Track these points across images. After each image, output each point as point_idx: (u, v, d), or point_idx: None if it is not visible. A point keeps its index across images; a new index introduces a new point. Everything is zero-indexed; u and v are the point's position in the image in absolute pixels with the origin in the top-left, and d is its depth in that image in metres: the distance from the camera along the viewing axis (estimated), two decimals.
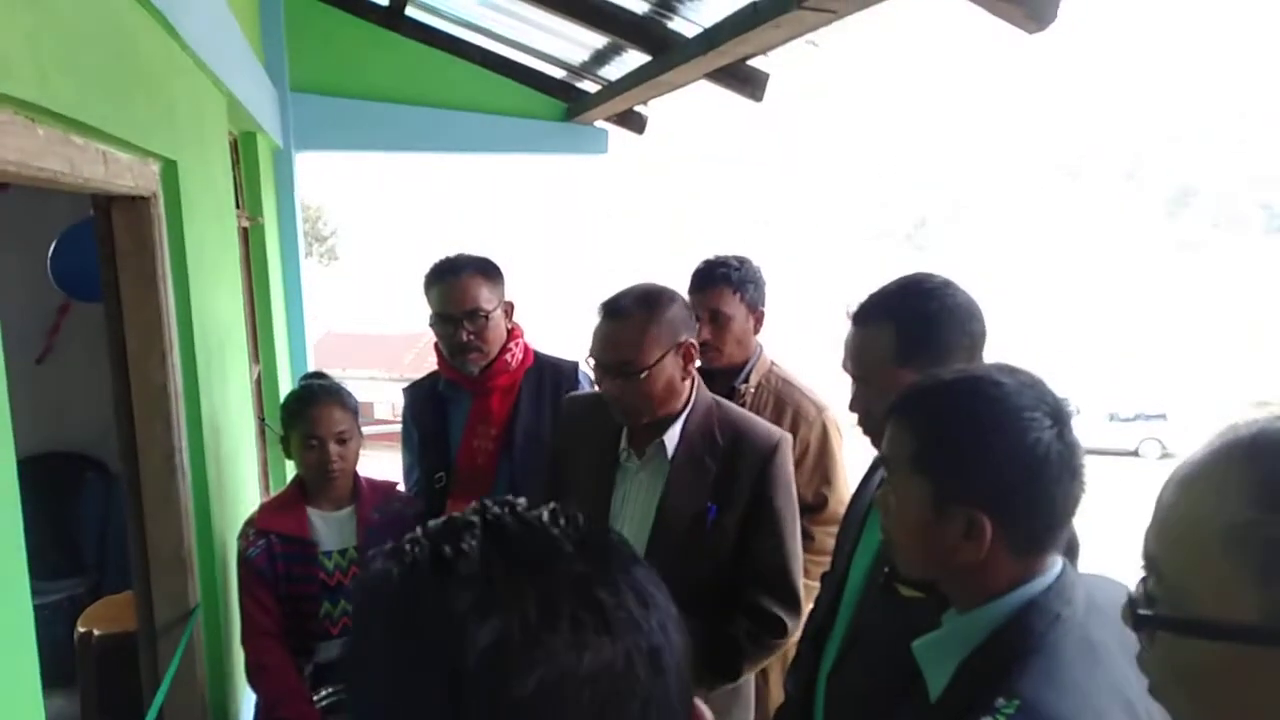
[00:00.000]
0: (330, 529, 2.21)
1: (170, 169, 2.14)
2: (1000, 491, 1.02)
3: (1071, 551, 1.17)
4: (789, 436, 1.90)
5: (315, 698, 2.10)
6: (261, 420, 4.02)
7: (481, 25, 4.80)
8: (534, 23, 4.32)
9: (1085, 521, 1.16)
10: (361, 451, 2.29)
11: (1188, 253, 58.88)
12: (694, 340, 1.83)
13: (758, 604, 1.82)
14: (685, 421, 1.84)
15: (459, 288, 2.26)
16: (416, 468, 2.44)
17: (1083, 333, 43.01)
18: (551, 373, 2.41)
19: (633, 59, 4.14)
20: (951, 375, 1.11)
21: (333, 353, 23.75)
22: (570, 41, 4.43)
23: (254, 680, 2.16)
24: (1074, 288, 51.35)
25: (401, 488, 2.43)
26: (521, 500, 0.56)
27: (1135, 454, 23.31)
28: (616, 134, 5.39)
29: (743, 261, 2.48)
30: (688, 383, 1.85)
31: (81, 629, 2.92)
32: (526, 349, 2.41)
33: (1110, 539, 4.17)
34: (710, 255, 2.53)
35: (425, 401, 2.45)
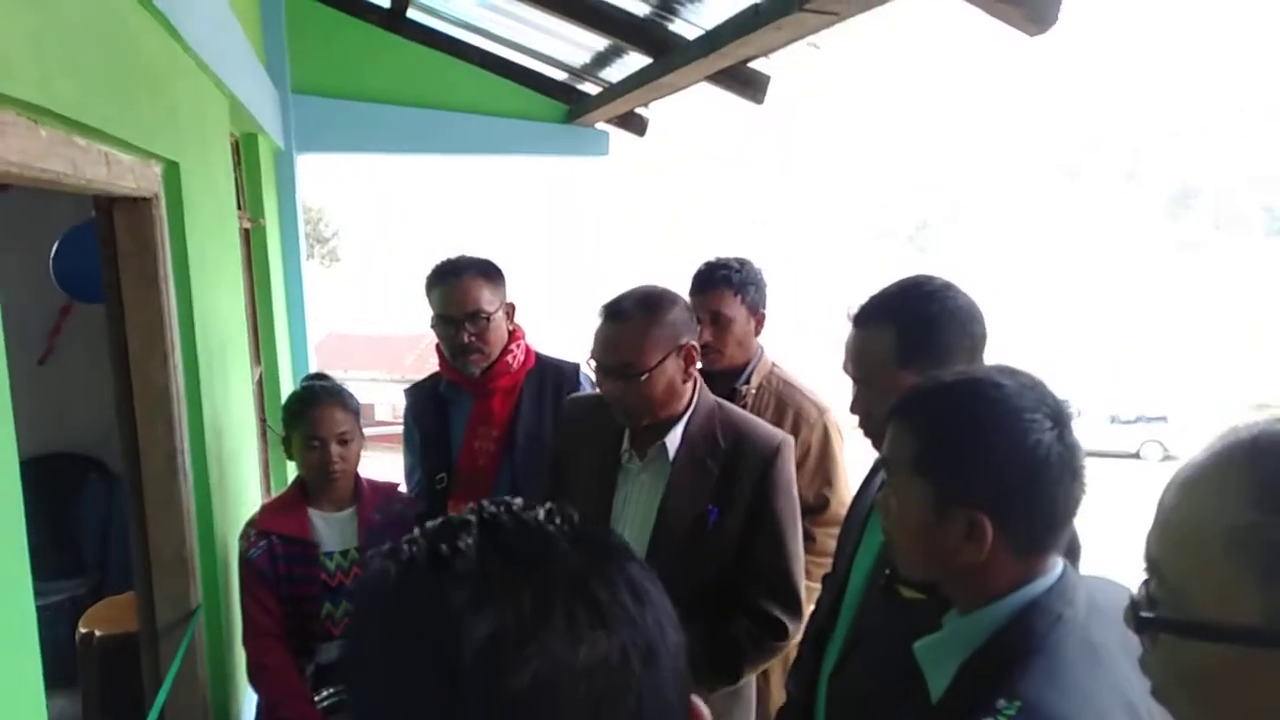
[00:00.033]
0: (331, 530, 2.21)
1: (172, 170, 2.15)
2: (1001, 493, 1.02)
3: (1073, 553, 1.17)
4: (791, 439, 1.90)
5: (316, 698, 2.10)
6: (263, 421, 4.02)
7: (483, 27, 4.80)
8: (535, 25, 4.32)
9: (1087, 524, 1.16)
10: (363, 453, 2.30)
11: (1188, 253, 58.86)
12: (695, 342, 1.83)
13: (758, 606, 1.82)
14: (687, 423, 1.84)
15: (460, 289, 2.26)
16: (418, 469, 2.44)
17: (1083, 333, 42.99)
18: (553, 374, 2.41)
19: (633, 61, 4.14)
20: (952, 377, 1.11)
21: (334, 354, 23.77)
22: (571, 43, 4.43)
23: (255, 681, 2.17)
24: (1074, 288, 51.33)
25: (403, 489, 2.43)
26: (518, 500, 0.57)
27: (1136, 456, 23.30)
28: (616, 135, 5.40)
29: (743, 263, 2.48)
30: (689, 385, 1.85)
31: (83, 630, 2.93)
32: (528, 350, 2.41)
33: (1112, 541, 4.16)
34: (710, 257, 2.53)
35: (427, 403, 2.45)
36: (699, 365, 1.88)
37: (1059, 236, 61.89)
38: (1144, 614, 0.77)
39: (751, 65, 3.52)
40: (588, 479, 1.93)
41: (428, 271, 2.33)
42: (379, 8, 4.89)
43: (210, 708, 2.34)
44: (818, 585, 1.91)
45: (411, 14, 4.88)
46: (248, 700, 2.55)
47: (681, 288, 2.13)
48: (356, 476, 2.27)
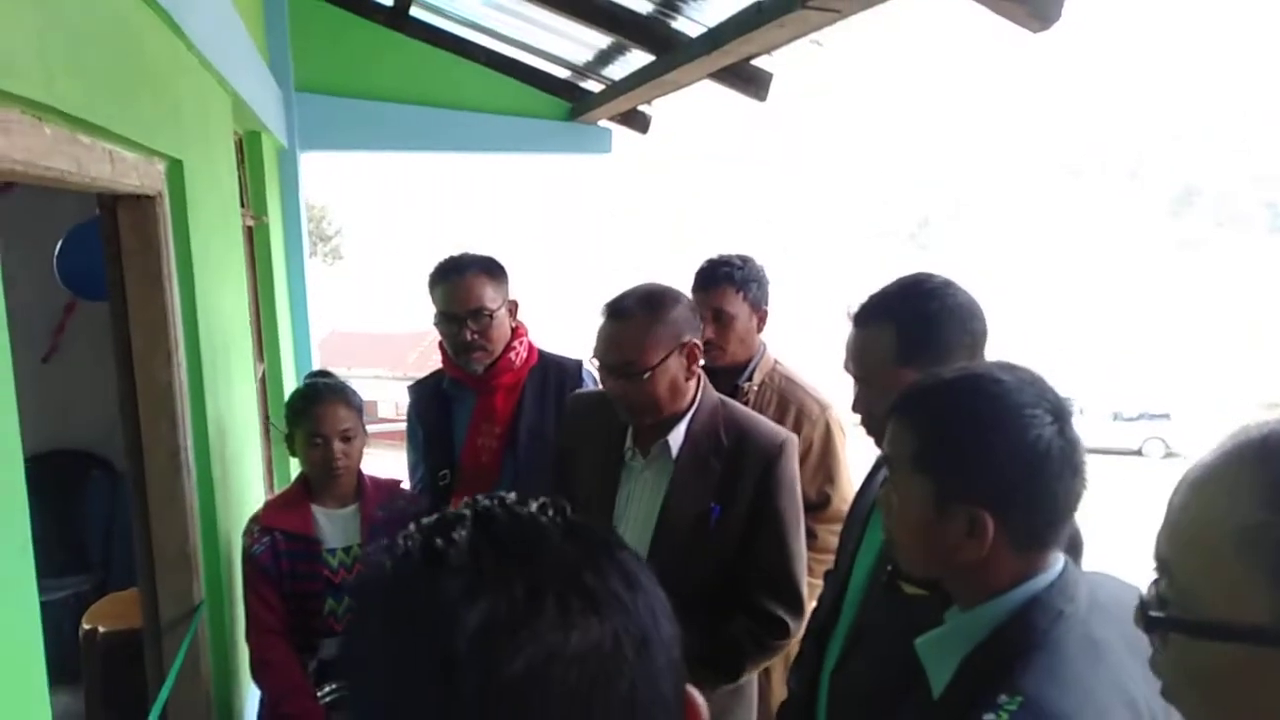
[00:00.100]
0: (335, 526, 2.22)
1: (176, 168, 2.15)
2: (1002, 489, 1.02)
3: (1075, 549, 1.17)
4: (794, 437, 1.90)
5: (319, 693, 2.11)
6: (266, 418, 4.03)
7: (486, 25, 4.81)
8: (538, 23, 4.33)
9: (1089, 520, 1.16)
10: (366, 450, 2.30)
11: (1191, 252, 58.72)
12: (698, 340, 1.83)
13: (760, 604, 1.82)
14: (690, 421, 1.84)
15: (463, 287, 2.27)
16: (421, 465, 2.45)
17: (1086, 331, 42.93)
18: (556, 371, 2.42)
19: (637, 59, 4.14)
20: (952, 374, 1.11)
21: (337, 351, 23.75)
22: (574, 41, 4.43)
23: (258, 676, 2.17)
24: (1077, 286, 51.24)
25: (406, 486, 2.44)
26: (512, 494, 0.58)
27: (1139, 453, 23.28)
28: (619, 133, 5.40)
29: (746, 260, 2.48)
30: (692, 383, 1.85)
31: (87, 626, 2.94)
32: (531, 347, 2.41)
33: (1115, 538, 4.16)
34: (713, 254, 2.53)
35: (430, 400, 2.46)
36: (702, 363, 1.88)
37: (1062, 235, 61.77)
38: (1154, 614, 0.77)
39: (754, 63, 3.52)
40: (591, 476, 1.94)
41: (430, 269, 2.34)
42: (382, 6, 4.90)
43: (213, 703, 2.35)
44: (820, 581, 1.91)
45: (414, 12, 4.88)
46: (250, 696, 2.56)
47: (684, 285, 2.13)
48: (359, 473, 2.27)
